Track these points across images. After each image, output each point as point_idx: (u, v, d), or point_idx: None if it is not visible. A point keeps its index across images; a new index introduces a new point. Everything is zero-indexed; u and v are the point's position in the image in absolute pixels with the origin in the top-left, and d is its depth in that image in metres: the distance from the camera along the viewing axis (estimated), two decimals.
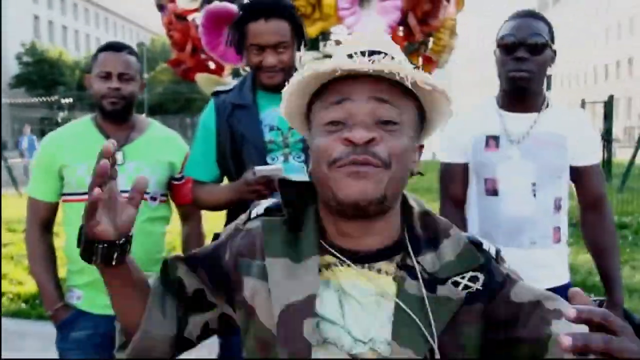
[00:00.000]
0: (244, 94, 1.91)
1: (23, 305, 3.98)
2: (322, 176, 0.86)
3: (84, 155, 1.93)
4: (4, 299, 4.11)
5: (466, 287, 0.88)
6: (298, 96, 0.92)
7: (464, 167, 1.92)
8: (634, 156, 10.53)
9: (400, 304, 0.85)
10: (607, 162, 11.78)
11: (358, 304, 0.86)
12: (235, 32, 1.85)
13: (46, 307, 2.02)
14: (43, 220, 2.01)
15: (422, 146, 0.96)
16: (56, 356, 2.05)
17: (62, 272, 2.06)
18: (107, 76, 1.92)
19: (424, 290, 0.86)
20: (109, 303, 1.96)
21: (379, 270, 0.89)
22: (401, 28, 6.88)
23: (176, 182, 2.07)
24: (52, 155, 1.96)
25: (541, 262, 1.82)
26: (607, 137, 11.49)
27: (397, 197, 0.90)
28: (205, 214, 2.19)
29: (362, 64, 0.82)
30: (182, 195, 2.07)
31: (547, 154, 1.81)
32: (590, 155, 1.89)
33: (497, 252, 0.95)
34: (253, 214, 0.99)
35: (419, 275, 0.87)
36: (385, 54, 0.86)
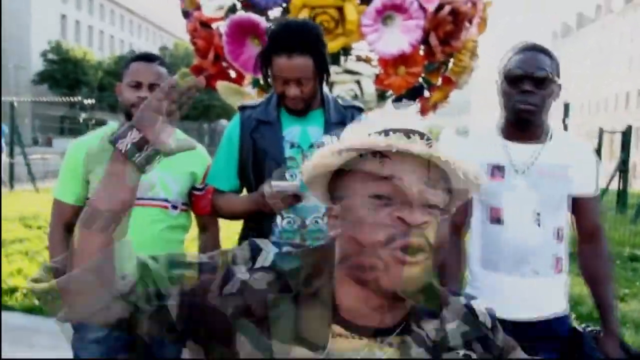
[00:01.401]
0: (269, 111, 1.96)
1: (36, 302, 4.03)
2: (370, 254, 0.81)
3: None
4: (17, 294, 4.17)
5: (466, 356, 0.88)
6: (331, 160, 0.87)
7: (464, 205, 1.95)
8: None
9: None
10: (622, 192, 11.67)
11: None
12: (261, 60, 1.90)
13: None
14: (67, 223, 2.04)
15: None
16: (66, 354, 2.08)
17: None
18: (138, 86, 1.96)
19: (426, 354, 0.86)
20: None
21: (389, 344, 0.87)
22: (422, 47, 6.93)
23: (197, 193, 2.11)
24: (79, 160, 2.00)
25: (543, 291, 1.84)
26: (623, 168, 11.39)
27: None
28: (222, 223, 2.23)
29: (422, 147, 0.81)
30: (202, 206, 2.11)
31: (551, 184, 1.84)
32: (591, 186, 1.92)
33: (493, 320, 0.95)
34: (258, 263, 0.90)
35: (426, 342, 0.87)
36: (427, 136, 0.85)
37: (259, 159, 1.91)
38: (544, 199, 1.83)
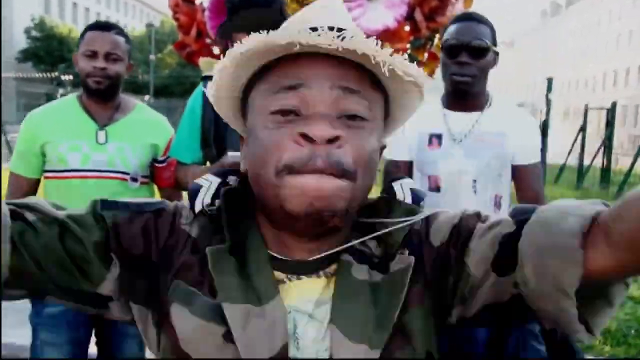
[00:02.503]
0: None
1: None
2: (267, 183, 0.68)
3: (66, 133, 1.93)
4: None
5: (401, 254, 0.75)
6: (233, 77, 0.72)
7: (408, 165, 1.96)
8: (632, 164, 10.50)
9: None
10: (606, 170, 11.77)
11: (310, 318, 0.71)
12: (221, 33, 1.85)
13: None
14: (23, 196, 2.00)
15: (384, 147, 0.78)
16: (30, 331, 2.05)
17: None
18: (94, 55, 1.92)
19: (374, 273, 0.73)
20: None
21: (329, 274, 0.74)
22: (407, 23, 6.85)
23: (158, 165, 2.06)
24: (34, 132, 1.96)
25: None
26: (607, 144, 11.46)
27: (357, 207, 0.73)
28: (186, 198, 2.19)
29: (329, 40, 0.63)
30: (164, 178, 2.07)
31: (488, 152, 1.85)
32: (530, 154, 1.92)
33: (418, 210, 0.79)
34: (197, 205, 0.76)
35: (370, 260, 0.74)
36: (352, 33, 0.66)
37: (221, 129, 1.87)
38: (481, 167, 1.85)
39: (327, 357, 0.69)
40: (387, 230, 0.75)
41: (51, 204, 0.76)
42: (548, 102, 6.96)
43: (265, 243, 0.74)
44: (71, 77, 11.51)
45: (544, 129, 7.32)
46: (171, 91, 34.86)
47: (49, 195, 1.97)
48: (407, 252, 0.75)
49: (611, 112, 11.45)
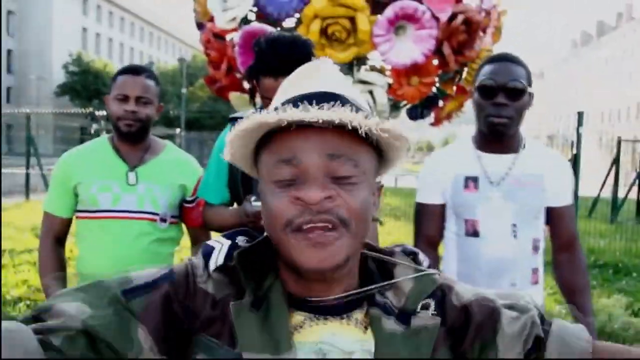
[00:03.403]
0: None
1: None
2: (278, 240, 0.77)
3: (97, 173, 1.97)
4: (21, 305, 4.18)
5: (426, 309, 0.82)
6: (241, 145, 0.81)
7: (440, 208, 1.92)
8: None
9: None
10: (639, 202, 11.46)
11: (340, 352, 0.78)
12: (248, 76, 1.86)
13: None
14: (56, 234, 2.04)
15: (381, 187, 0.87)
16: None
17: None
18: (125, 99, 1.96)
19: (398, 324, 0.80)
20: None
21: (356, 320, 0.81)
22: (436, 57, 6.88)
23: (188, 205, 2.08)
24: (67, 173, 2.00)
25: None
26: None
27: (358, 255, 0.83)
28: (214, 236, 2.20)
29: (312, 115, 0.72)
30: (193, 218, 2.08)
31: (527, 194, 1.81)
32: (565, 196, 1.89)
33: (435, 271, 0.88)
34: (212, 265, 0.82)
35: (393, 311, 0.81)
36: (338, 96, 0.77)
37: None
38: (520, 210, 1.80)
39: None
40: (398, 280, 0.85)
41: (70, 294, 0.79)
42: (579, 136, 6.86)
43: (285, 288, 0.81)
44: (105, 112, 11.83)
45: (575, 162, 7.19)
46: (202, 124, 35.52)
47: (82, 235, 2.01)
48: (432, 306, 0.82)
49: None
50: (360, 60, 7.46)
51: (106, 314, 0.75)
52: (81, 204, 1.98)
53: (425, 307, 0.82)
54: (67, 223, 2.05)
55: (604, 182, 12.11)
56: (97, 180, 1.95)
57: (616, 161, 11.75)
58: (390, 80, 7.09)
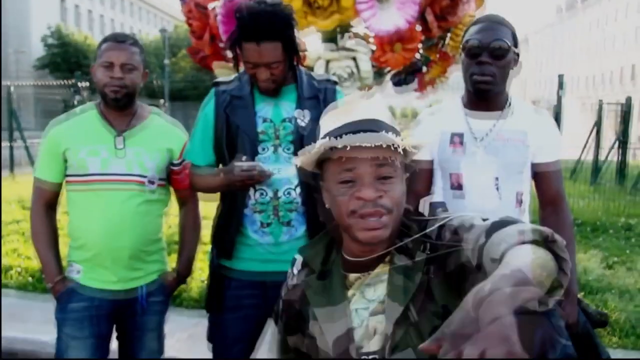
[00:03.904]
0: (242, 86, 2.00)
1: (30, 279, 4.13)
2: (344, 223, 1.18)
3: (86, 139, 2.03)
4: (12, 272, 4.26)
5: (424, 250, 1.19)
6: (312, 157, 1.19)
7: (429, 164, 2.00)
8: None
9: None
10: (621, 164, 11.67)
11: (370, 286, 1.22)
12: (231, 43, 1.92)
13: (46, 280, 2.13)
14: (47, 200, 2.11)
15: (407, 178, 1.23)
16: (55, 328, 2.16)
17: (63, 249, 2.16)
18: (110, 66, 2.00)
19: (407, 259, 1.19)
20: (106, 278, 2.06)
21: (384, 263, 1.23)
22: (419, 23, 6.87)
23: (174, 168, 2.15)
24: (56, 139, 2.05)
25: None
26: (623, 139, 11.37)
27: (397, 227, 1.21)
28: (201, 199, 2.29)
29: (365, 140, 1.11)
30: (180, 180, 2.16)
31: (509, 150, 1.88)
32: (550, 153, 1.94)
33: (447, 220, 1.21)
34: (295, 271, 1.34)
35: (406, 251, 1.20)
36: (377, 121, 1.17)
37: (232, 133, 1.95)
38: (502, 165, 1.88)
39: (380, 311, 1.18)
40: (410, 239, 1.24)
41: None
42: (559, 99, 6.97)
43: (344, 260, 1.26)
44: (88, 83, 11.66)
45: (556, 125, 7.31)
46: (186, 95, 35.08)
47: (72, 199, 2.07)
48: (427, 251, 1.19)
49: (626, 107, 11.37)
50: (343, 28, 7.42)
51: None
52: (71, 169, 2.05)
53: (425, 249, 1.19)
54: (57, 189, 2.12)
55: (585, 145, 12.30)
56: (86, 145, 2.02)
57: (597, 125, 11.92)
58: (374, 48, 7.09)
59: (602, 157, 12.06)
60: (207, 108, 2.04)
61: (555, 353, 1.76)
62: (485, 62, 1.83)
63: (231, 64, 5.54)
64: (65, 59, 38.83)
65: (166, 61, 32.01)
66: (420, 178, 2.01)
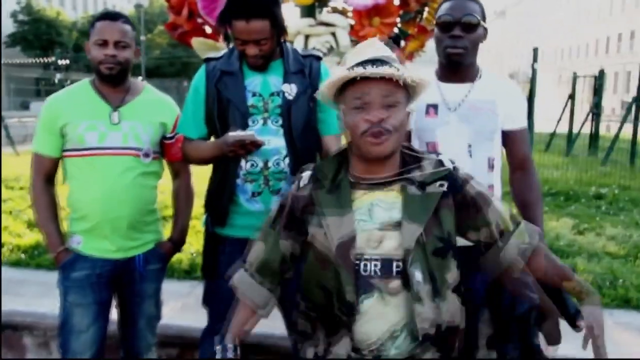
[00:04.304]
0: (232, 62, 2.09)
1: (22, 256, 4.20)
2: (356, 141, 1.44)
3: (83, 114, 2.11)
4: (4, 250, 4.32)
5: (441, 186, 1.47)
6: (331, 87, 1.48)
7: (407, 134, 2.11)
8: (618, 131, 10.70)
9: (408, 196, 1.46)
10: (594, 136, 11.97)
11: (381, 208, 1.46)
12: (221, 20, 2.01)
13: (50, 250, 2.23)
14: (47, 174, 2.20)
15: (409, 113, 1.49)
16: (52, 300, 2.25)
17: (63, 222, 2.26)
18: (104, 44, 2.09)
19: (418, 191, 1.46)
20: (105, 247, 2.16)
21: (392, 189, 1.48)
22: None
23: (168, 141, 2.25)
24: (55, 114, 2.13)
25: None
26: (596, 111, 11.65)
27: (398, 148, 1.50)
28: (193, 168, 2.39)
29: (372, 71, 1.38)
30: (173, 152, 2.27)
31: (480, 118, 2.02)
32: (517, 120, 2.10)
33: (454, 166, 1.54)
34: (302, 184, 1.55)
35: (415, 182, 1.47)
36: (385, 61, 1.42)
37: (223, 107, 2.06)
38: (474, 132, 2.02)
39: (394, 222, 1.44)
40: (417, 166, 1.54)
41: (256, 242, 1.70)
42: (534, 71, 7.13)
43: (353, 177, 1.51)
44: (67, 61, 11.53)
45: (531, 97, 7.49)
46: (163, 72, 34.66)
47: (71, 172, 2.16)
48: (445, 184, 1.48)
49: (599, 80, 11.61)
50: (322, 2, 7.45)
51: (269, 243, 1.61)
52: (69, 143, 2.13)
53: (441, 185, 1.47)
54: (56, 163, 2.20)
55: (560, 117, 12.58)
56: (84, 120, 2.10)
57: (572, 97, 12.17)
58: (352, 22, 7.14)
59: (576, 130, 12.34)
60: (198, 83, 2.13)
61: (524, 305, 1.94)
62: (457, 35, 1.96)
63: (210, 40, 5.53)
64: (37, 36, 37.92)
65: (142, 37, 31.49)
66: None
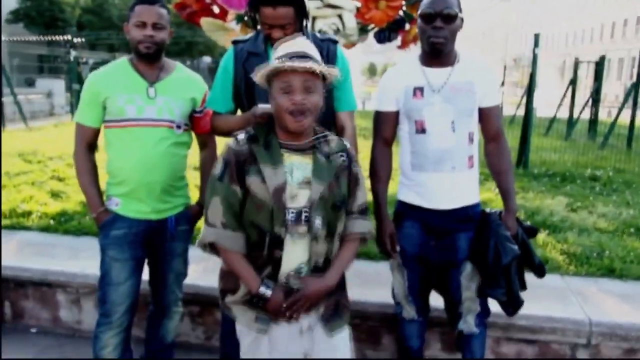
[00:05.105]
0: (258, 44, 2.34)
1: (51, 222, 4.45)
2: (281, 118, 1.83)
3: (123, 88, 2.35)
4: (33, 216, 4.58)
5: (341, 156, 1.93)
6: (263, 75, 1.84)
7: (394, 114, 2.42)
8: (617, 116, 10.89)
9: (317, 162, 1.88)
10: (593, 122, 12.15)
11: (298, 169, 1.86)
12: (249, 6, 2.23)
13: (91, 210, 2.48)
14: (88, 142, 2.44)
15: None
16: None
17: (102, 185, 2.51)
18: (143, 25, 2.32)
19: (324, 159, 1.89)
20: (141, 209, 2.41)
21: (307, 155, 1.89)
22: None
23: (197, 115, 2.50)
24: (97, 89, 2.37)
25: (460, 184, 2.36)
26: (595, 97, 11.82)
27: (312, 125, 1.89)
28: (218, 140, 2.63)
29: (296, 65, 1.75)
30: (201, 125, 2.52)
31: (461, 98, 2.31)
32: (492, 97, 2.39)
33: (349, 146, 2.00)
34: (240, 141, 1.88)
35: (323, 152, 1.90)
36: (307, 55, 1.79)
37: (250, 85, 2.29)
38: (456, 110, 2.30)
39: (306, 181, 1.86)
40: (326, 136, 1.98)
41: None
42: (535, 57, 7.32)
43: (279, 141, 1.88)
44: (83, 39, 11.69)
45: (531, 82, 7.68)
46: (167, 51, 34.57)
47: (111, 141, 2.40)
48: (345, 155, 1.96)
49: (600, 65, 11.76)
50: None
51: (223, 193, 1.88)
52: (109, 114, 2.37)
53: (341, 156, 1.93)
54: (96, 133, 2.45)
55: (561, 102, 12.75)
56: (123, 94, 2.34)
57: (573, 82, 12.33)
58: (359, 4, 7.31)
59: (576, 115, 12.51)
60: (227, 63, 2.37)
61: (508, 257, 2.25)
62: (439, 26, 2.24)
63: (218, 20, 5.74)
64: (40, 12, 37.79)
65: None
66: (387, 125, 2.45)
